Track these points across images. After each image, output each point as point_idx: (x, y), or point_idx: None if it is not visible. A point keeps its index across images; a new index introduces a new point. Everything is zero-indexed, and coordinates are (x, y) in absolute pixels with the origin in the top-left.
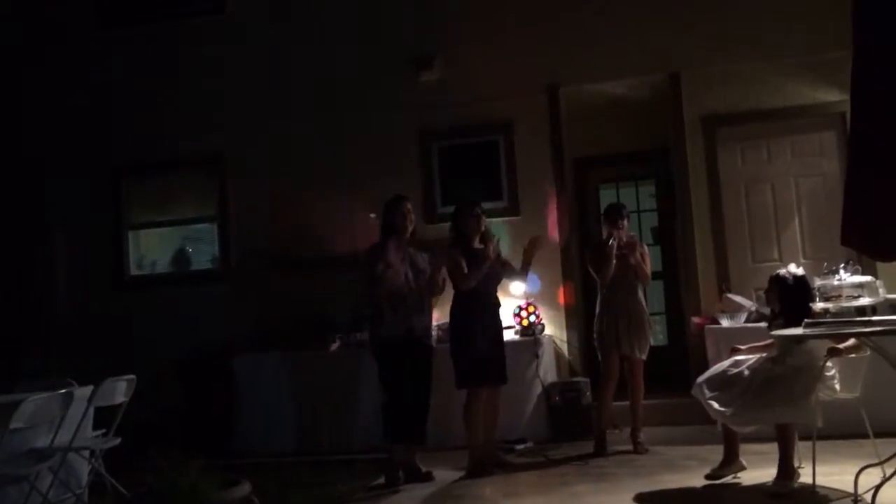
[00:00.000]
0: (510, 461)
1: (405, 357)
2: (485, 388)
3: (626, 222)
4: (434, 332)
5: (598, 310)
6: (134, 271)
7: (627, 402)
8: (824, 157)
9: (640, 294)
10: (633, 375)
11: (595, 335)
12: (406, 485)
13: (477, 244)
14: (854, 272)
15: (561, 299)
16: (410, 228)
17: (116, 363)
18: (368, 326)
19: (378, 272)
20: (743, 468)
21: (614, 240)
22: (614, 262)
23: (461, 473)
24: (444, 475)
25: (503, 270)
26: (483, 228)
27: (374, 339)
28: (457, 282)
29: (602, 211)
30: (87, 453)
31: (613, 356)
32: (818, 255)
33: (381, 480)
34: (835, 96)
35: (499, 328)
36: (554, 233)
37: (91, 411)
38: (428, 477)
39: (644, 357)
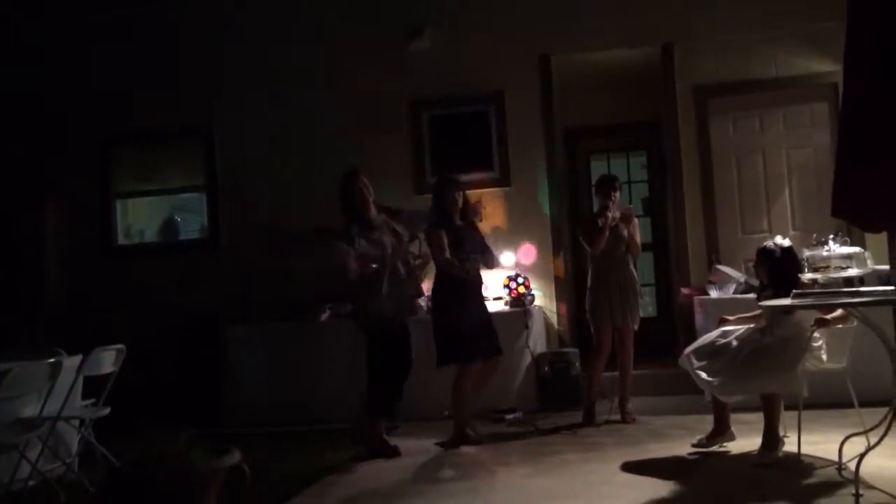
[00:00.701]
0: (482, 438)
1: (393, 331)
2: (474, 364)
3: (618, 194)
4: (423, 304)
5: (589, 283)
6: (122, 241)
7: (616, 373)
8: (815, 129)
9: (632, 265)
10: (623, 346)
11: (587, 308)
12: (376, 458)
13: (458, 220)
14: (843, 243)
15: (552, 269)
16: (371, 199)
17: (105, 333)
18: (360, 300)
19: (368, 272)
20: (733, 438)
21: (609, 212)
22: (608, 233)
23: (434, 442)
24: (419, 445)
25: (485, 255)
26: (461, 203)
27: (364, 312)
28: (438, 263)
29: (594, 182)
30: (76, 423)
31: (607, 328)
32: (808, 227)
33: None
34: (827, 67)
35: (482, 301)
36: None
37: (80, 381)
38: (395, 453)
39: (636, 327)
